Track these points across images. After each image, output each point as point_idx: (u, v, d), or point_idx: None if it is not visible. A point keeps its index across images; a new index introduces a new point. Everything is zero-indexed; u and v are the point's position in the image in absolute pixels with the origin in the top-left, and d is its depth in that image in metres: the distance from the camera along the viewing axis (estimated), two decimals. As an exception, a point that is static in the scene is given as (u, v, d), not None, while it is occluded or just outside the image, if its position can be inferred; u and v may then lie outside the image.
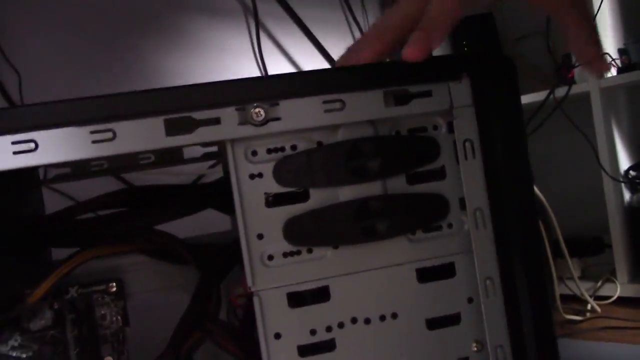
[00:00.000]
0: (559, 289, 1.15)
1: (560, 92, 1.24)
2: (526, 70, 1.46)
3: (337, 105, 0.31)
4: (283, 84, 0.31)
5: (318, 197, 0.33)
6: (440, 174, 0.34)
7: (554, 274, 1.16)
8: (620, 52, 1.26)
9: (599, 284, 1.22)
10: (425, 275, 0.34)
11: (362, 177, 0.33)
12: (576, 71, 1.27)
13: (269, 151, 0.32)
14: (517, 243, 0.34)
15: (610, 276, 1.23)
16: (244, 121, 0.31)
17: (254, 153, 0.32)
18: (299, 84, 0.31)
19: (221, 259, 0.40)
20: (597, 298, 1.19)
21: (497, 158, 0.33)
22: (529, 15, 1.46)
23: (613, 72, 1.25)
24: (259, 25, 1.26)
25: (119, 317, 0.42)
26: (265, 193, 0.32)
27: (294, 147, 0.32)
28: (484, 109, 0.33)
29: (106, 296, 0.42)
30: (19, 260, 0.42)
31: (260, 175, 0.32)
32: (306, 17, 1.27)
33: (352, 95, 0.32)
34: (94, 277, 0.42)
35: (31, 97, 0.98)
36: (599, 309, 1.14)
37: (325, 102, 0.31)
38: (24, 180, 0.30)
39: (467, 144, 0.33)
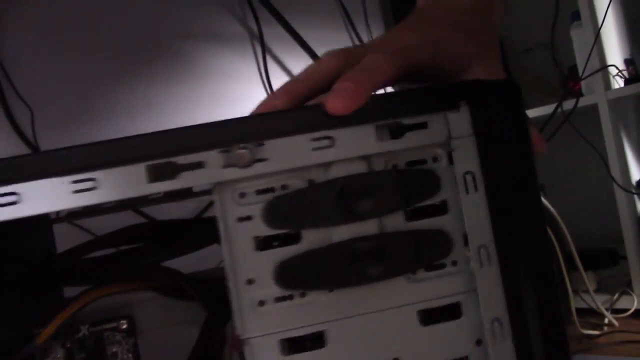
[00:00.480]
0: (575, 303, 1.13)
1: (568, 104, 1.23)
2: (533, 83, 1.45)
3: (326, 142, 0.30)
4: (268, 124, 0.30)
5: (310, 239, 0.31)
6: (441, 209, 0.32)
7: (569, 288, 1.14)
8: (627, 62, 1.25)
9: (615, 297, 1.20)
10: (429, 317, 0.32)
11: (356, 215, 0.31)
12: (583, 83, 1.26)
13: (258, 192, 0.31)
14: (527, 281, 0.31)
15: (626, 288, 1.21)
16: (229, 164, 0.29)
17: (242, 195, 0.30)
18: (285, 122, 0.30)
19: (228, 296, 0.39)
20: (614, 311, 1.17)
21: (503, 190, 0.31)
22: (534, 27, 1.46)
23: (620, 83, 1.24)
24: (265, 49, 1.26)
25: (130, 355, 0.42)
26: (255, 236, 0.31)
27: (284, 187, 0.31)
28: (487, 139, 0.31)
29: (117, 334, 0.42)
30: (31, 299, 0.43)
31: (249, 218, 0.30)
32: (312, 39, 1.28)
33: (341, 131, 0.30)
34: (106, 314, 0.42)
35: (43, 132, 0.99)
36: (616, 323, 1.12)
37: (313, 139, 0.30)
38: (33, 219, 0.31)
39: (467, 176, 0.31)
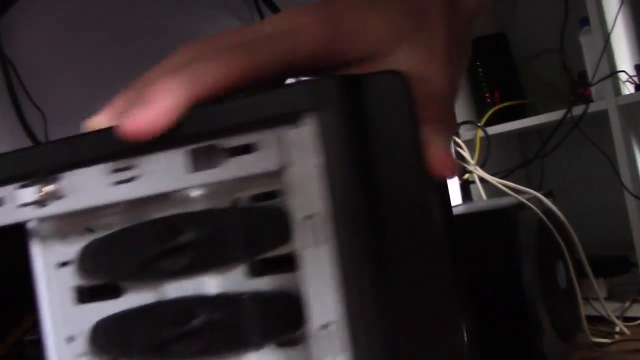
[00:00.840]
0: (585, 311, 1.10)
1: (578, 110, 1.20)
2: (542, 89, 1.43)
3: (130, 173, 0.23)
4: (61, 153, 0.23)
5: (132, 295, 0.24)
6: (293, 263, 0.22)
7: (579, 295, 1.11)
8: (638, 68, 1.22)
9: (627, 304, 1.16)
10: None
11: (178, 270, 0.23)
12: (593, 89, 1.23)
13: (76, 233, 0.24)
14: None
15: (637, 296, 1.17)
16: (26, 201, 0.23)
17: (59, 236, 0.24)
18: (78, 150, 0.23)
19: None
20: (625, 319, 1.12)
21: (367, 243, 0.20)
22: (543, 33, 1.43)
23: (631, 89, 1.21)
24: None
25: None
26: (75, 286, 0.25)
27: (106, 227, 0.24)
28: (343, 165, 0.20)
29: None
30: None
31: (66, 263, 0.24)
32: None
33: (147, 159, 0.22)
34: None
35: (57, 136, 0.99)
36: (627, 331, 1.08)
37: (114, 170, 0.23)
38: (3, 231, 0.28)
39: (309, 222, 0.21)
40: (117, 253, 0.24)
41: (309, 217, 0.21)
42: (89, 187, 0.23)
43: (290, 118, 0.21)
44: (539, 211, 0.91)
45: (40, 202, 0.24)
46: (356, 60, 0.25)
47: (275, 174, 0.21)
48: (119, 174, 0.23)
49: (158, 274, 0.23)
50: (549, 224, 1.07)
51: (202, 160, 0.22)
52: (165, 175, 0.22)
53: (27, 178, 0.24)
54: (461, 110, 1.35)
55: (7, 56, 0.91)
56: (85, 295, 0.25)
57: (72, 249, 0.24)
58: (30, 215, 0.24)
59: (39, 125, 0.98)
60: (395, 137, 0.21)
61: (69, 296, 0.25)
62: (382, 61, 0.25)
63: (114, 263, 0.24)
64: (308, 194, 0.21)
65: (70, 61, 0.99)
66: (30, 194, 0.24)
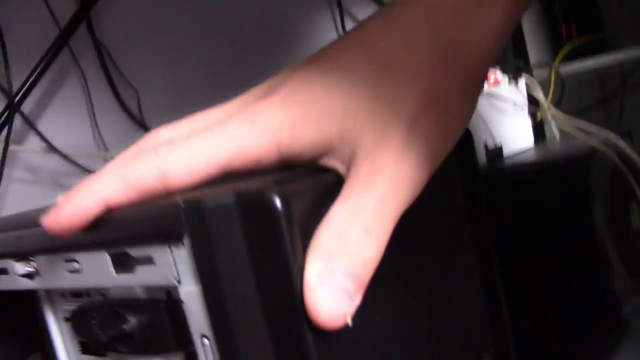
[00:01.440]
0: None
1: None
2: (625, 19, 1.35)
3: (77, 265, 0.25)
4: (33, 239, 0.26)
5: (112, 358, 0.26)
6: None
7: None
8: None
9: None
10: None
11: (128, 351, 0.24)
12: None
13: (72, 295, 0.28)
14: None
15: None
16: (20, 273, 0.27)
17: (61, 295, 0.28)
18: (43, 239, 0.25)
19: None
20: None
21: None
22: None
23: None
24: (343, 14, 1.29)
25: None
26: (80, 340, 0.28)
27: (88, 295, 0.27)
28: (221, 289, 0.19)
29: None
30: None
31: (68, 320, 0.28)
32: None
33: (84, 256, 0.24)
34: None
35: (149, 111, 1.10)
36: None
37: (67, 261, 0.25)
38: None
39: (205, 341, 0.21)
40: (86, 324, 0.26)
41: (204, 336, 0.21)
42: (52, 271, 0.26)
43: (173, 236, 0.20)
44: (612, 153, 0.91)
45: (29, 276, 0.26)
46: (316, 155, 0.20)
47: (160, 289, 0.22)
48: (69, 264, 0.25)
49: (114, 350, 0.25)
50: (621, 165, 1.04)
51: (120, 264, 0.23)
52: (99, 272, 0.24)
53: (18, 256, 0.26)
54: (533, 46, 1.31)
55: (100, 40, 1.01)
56: (86, 347, 0.28)
57: (70, 308, 0.28)
58: (24, 285, 0.27)
59: (133, 102, 1.09)
60: (265, 262, 0.19)
61: (75, 346, 0.28)
62: (344, 150, 0.19)
63: (84, 331, 0.27)
64: (197, 314, 0.21)
65: (159, 42, 1.07)
66: (21, 268, 0.26)
